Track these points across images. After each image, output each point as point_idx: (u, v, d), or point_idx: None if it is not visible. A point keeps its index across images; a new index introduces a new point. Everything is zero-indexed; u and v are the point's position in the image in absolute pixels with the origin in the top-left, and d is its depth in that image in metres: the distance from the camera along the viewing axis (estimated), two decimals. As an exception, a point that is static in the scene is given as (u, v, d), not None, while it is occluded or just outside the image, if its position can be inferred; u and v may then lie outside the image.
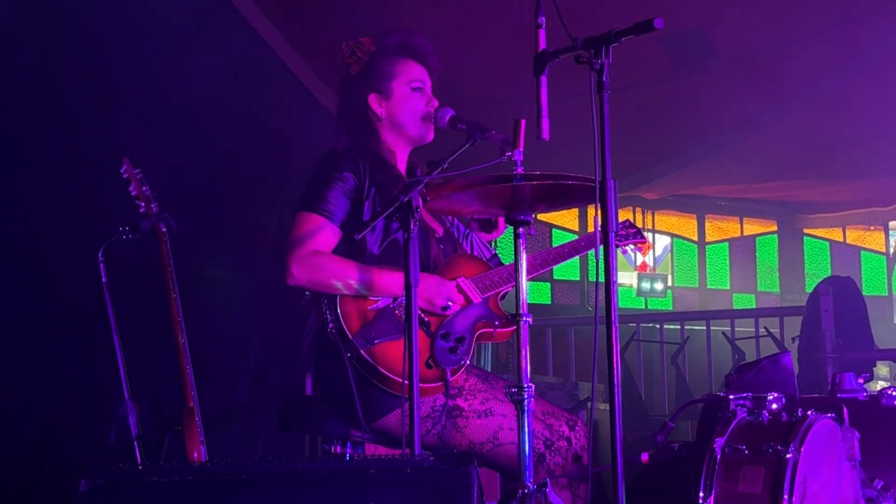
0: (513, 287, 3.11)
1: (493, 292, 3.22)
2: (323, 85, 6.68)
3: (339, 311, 3.06)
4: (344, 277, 3.08)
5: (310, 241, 3.13)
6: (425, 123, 3.33)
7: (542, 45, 2.75)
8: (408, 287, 2.79)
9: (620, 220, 3.63)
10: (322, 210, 3.15)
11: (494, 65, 7.01)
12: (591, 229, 3.53)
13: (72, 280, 4.22)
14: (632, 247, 3.77)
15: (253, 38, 6.06)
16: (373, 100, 3.32)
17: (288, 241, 3.16)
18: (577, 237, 3.58)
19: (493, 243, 3.57)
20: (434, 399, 3.09)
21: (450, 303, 3.12)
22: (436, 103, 3.36)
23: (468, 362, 3.14)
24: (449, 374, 3.06)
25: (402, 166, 3.38)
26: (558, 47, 2.70)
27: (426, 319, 3.10)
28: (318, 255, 3.12)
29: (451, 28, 6.32)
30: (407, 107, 3.33)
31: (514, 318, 2.81)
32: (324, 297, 3.11)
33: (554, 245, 3.60)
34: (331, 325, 3.06)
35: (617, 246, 3.65)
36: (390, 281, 3.08)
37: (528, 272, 3.20)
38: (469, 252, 3.44)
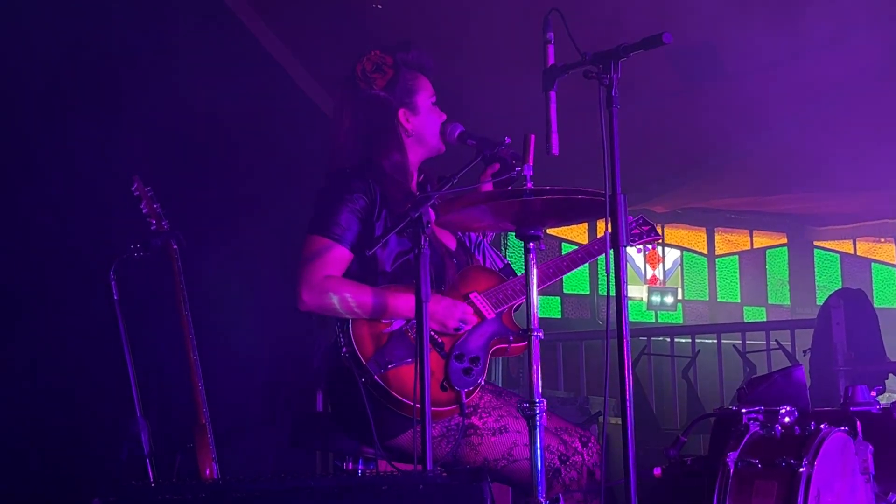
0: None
1: (506, 306, 3.19)
2: (330, 98, 6.68)
3: (351, 334, 3.03)
4: (356, 302, 3.05)
5: (320, 265, 3.09)
6: (440, 138, 3.35)
7: (551, 60, 2.76)
8: (419, 303, 2.78)
9: (633, 217, 3.59)
10: (332, 233, 3.12)
11: (501, 78, 7.01)
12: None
13: (83, 298, 4.23)
14: (642, 247, 3.72)
15: (262, 55, 6.08)
16: (402, 115, 3.31)
17: (298, 266, 3.12)
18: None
19: (505, 254, 3.56)
20: (449, 419, 3.07)
21: (463, 324, 3.10)
22: (444, 117, 3.38)
23: (483, 382, 3.13)
24: (464, 395, 3.03)
25: (413, 182, 3.38)
26: (567, 62, 2.71)
27: (439, 340, 3.08)
28: (330, 280, 3.08)
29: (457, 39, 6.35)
30: (431, 121, 3.34)
31: (526, 333, 2.81)
32: (336, 318, 3.10)
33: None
34: (344, 348, 3.04)
35: (631, 244, 3.61)
36: (404, 303, 3.05)
37: (542, 281, 3.19)
38: (482, 263, 3.42)
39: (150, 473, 3.53)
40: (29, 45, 4.44)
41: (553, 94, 2.75)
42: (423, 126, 3.33)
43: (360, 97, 3.30)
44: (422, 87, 3.35)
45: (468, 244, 3.42)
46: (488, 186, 3.31)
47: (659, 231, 3.73)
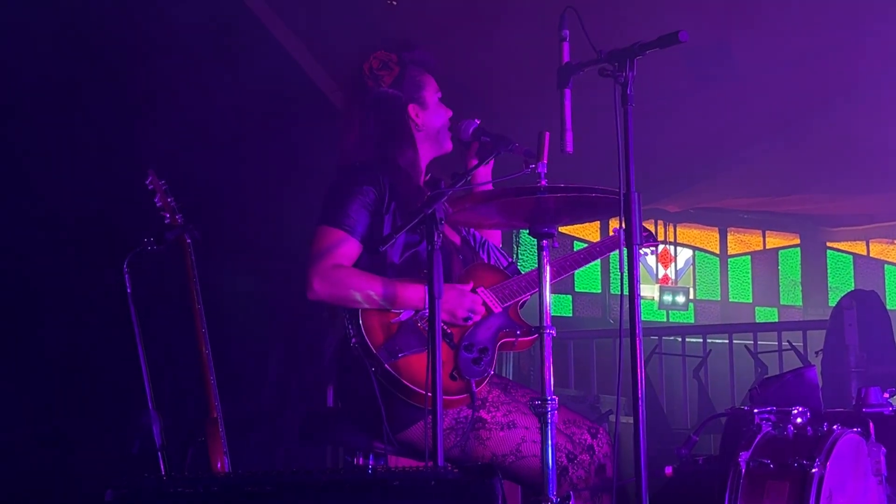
0: (531, 295, 3.12)
1: (512, 301, 3.21)
2: (342, 94, 6.67)
3: (361, 324, 3.05)
4: (366, 292, 3.07)
5: (331, 255, 3.12)
6: (448, 134, 3.38)
7: (566, 58, 2.76)
8: (432, 299, 2.78)
9: None
10: (342, 224, 3.15)
11: (517, 74, 7.00)
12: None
13: (96, 291, 4.25)
14: (649, 250, 3.72)
15: (275, 49, 6.09)
16: (412, 110, 3.34)
17: (308, 256, 3.15)
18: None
19: (513, 254, 3.57)
20: (458, 411, 3.08)
21: (472, 314, 3.12)
22: (450, 113, 3.40)
23: (492, 373, 3.14)
24: (474, 385, 3.05)
25: (422, 178, 3.39)
26: (582, 60, 2.71)
27: (449, 331, 3.10)
28: (340, 270, 3.11)
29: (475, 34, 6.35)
30: (439, 116, 3.37)
31: (535, 329, 2.83)
32: (345, 310, 3.11)
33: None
34: (353, 339, 3.06)
35: None
36: (413, 293, 3.08)
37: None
38: (486, 261, 3.43)
39: (162, 467, 3.54)
40: (41, 37, 4.45)
41: (568, 92, 2.75)
42: (432, 121, 3.36)
43: (369, 95, 3.32)
44: (428, 83, 3.39)
45: (472, 243, 3.44)
46: (488, 186, 3.32)
47: (671, 230, 3.73)
